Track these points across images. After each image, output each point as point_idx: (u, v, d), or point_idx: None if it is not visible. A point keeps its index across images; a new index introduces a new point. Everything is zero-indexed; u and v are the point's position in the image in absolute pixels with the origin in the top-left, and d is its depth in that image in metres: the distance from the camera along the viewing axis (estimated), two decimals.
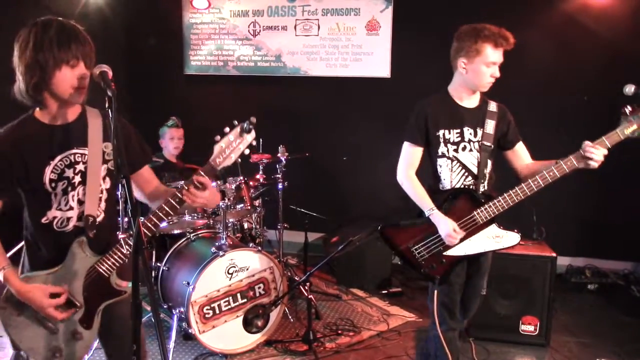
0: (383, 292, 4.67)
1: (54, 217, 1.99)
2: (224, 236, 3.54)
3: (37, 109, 1.97)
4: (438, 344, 2.73)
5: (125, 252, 2.00)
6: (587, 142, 2.39)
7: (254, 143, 1.95)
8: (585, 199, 5.13)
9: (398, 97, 4.48)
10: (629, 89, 2.73)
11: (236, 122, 1.92)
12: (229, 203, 3.88)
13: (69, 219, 2.01)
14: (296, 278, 4.42)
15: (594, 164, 2.39)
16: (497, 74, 2.55)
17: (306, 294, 3.76)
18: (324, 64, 5.61)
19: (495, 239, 2.56)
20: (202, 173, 1.93)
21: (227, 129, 1.91)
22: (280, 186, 4.44)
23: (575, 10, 4.94)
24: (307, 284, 3.82)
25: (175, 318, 3.52)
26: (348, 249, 3.81)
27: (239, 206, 4.14)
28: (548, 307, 3.69)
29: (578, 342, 3.84)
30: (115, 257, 2.01)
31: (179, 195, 1.94)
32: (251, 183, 4.36)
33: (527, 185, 2.47)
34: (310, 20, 5.58)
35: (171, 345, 3.47)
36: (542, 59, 4.93)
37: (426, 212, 2.59)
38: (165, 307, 3.68)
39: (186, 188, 1.93)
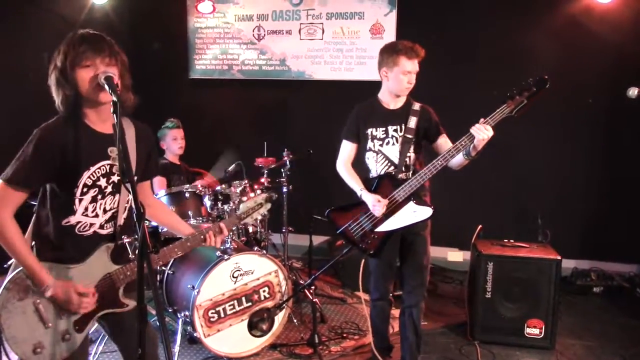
0: None
1: (78, 222, 2.02)
2: (228, 240, 3.55)
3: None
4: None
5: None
6: (478, 124, 2.70)
7: (267, 215, 2.26)
8: (590, 201, 5.12)
9: None
10: (632, 91, 2.74)
11: (259, 191, 2.18)
12: (233, 207, 3.89)
13: (91, 224, 2.05)
14: (301, 281, 4.41)
15: (482, 139, 2.68)
16: (413, 81, 2.98)
17: (311, 298, 3.76)
18: (329, 68, 5.63)
19: (413, 213, 2.95)
20: (224, 224, 2.28)
21: (252, 194, 2.16)
22: (284, 189, 4.45)
23: (578, 13, 4.93)
24: (312, 287, 3.82)
25: (180, 322, 3.52)
26: (353, 252, 3.80)
27: None
28: (553, 310, 3.68)
29: (583, 345, 3.83)
30: (134, 270, 2.04)
31: (204, 234, 2.22)
32: (256, 186, 4.37)
33: (432, 165, 2.84)
34: (314, 24, 5.60)
35: (176, 349, 3.48)
36: (545, 61, 4.92)
37: (358, 194, 3.05)
38: (170, 310, 3.69)
39: (209, 233, 2.23)
